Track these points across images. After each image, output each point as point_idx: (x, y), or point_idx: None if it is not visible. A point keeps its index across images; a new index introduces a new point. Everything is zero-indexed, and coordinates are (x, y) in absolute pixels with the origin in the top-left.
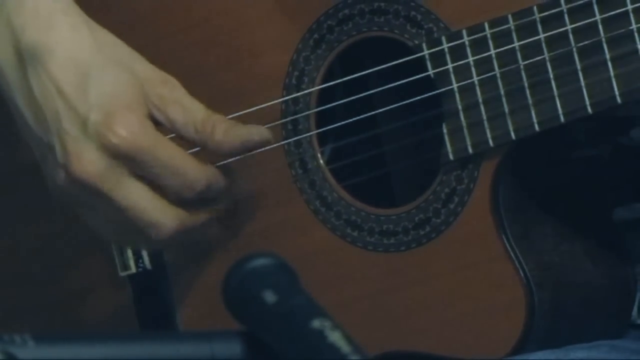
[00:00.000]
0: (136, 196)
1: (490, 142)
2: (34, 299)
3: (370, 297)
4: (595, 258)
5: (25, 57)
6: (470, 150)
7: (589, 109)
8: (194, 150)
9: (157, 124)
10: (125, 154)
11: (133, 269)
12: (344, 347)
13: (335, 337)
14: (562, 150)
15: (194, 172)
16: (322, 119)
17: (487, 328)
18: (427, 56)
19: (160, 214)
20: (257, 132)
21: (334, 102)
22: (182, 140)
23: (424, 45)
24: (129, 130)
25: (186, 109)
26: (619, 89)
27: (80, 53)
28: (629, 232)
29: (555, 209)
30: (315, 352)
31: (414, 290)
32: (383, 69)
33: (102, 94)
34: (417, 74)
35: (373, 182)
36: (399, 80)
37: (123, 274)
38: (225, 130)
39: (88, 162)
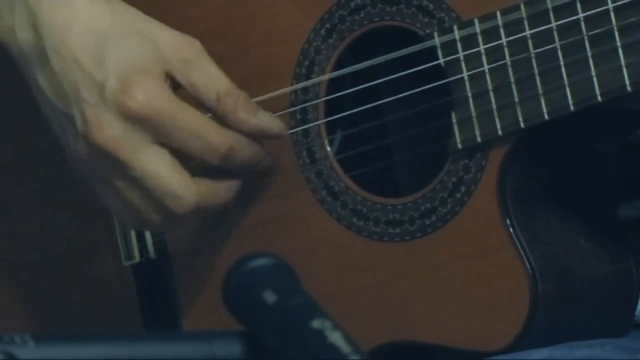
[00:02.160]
0: (157, 163)
1: (500, 131)
2: (37, 290)
3: (375, 286)
4: (599, 254)
5: (44, 34)
6: (479, 139)
7: (599, 98)
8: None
9: (178, 87)
10: (143, 118)
11: (137, 258)
12: (344, 347)
13: (335, 337)
14: (570, 143)
15: (216, 134)
16: (332, 109)
17: (490, 317)
18: (438, 45)
19: (181, 185)
20: (278, 125)
21: (343, 92)
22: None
23: (435, 35)
24: (146, 94)
25: (211, 75)
26: (629, 78)
27: (97, 24)
28: (633, 230)
29: (562, 202)
30: (315, 352)
31: (418, 279)
32: (394, 59)
33: (119, 61)
34: (428, 64)
35: (379, 172)
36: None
37: (127, 263)
38: (250, 109)
39: (107, 128)
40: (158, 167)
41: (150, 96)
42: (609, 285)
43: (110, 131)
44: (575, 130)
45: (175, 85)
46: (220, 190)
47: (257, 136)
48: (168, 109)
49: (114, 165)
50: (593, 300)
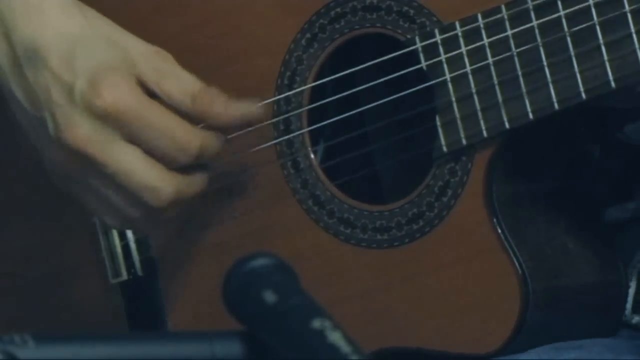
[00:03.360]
0: (129, 159)
1: (485, 133)
2: (25, 308)
3: (365, 294)
4: (587, 254)
5: (15, 43)
6: (464, 141)
7: (583, 95)
8: None
9: (153, 96)
10: (112, 116)
11: (125, 276)
12: (344, 347)
13: (335, 337)
14: (555, 143)
15: (186, 133)
16: (315, 119)
17: (482, 320)
18: (420, 49)
19: (156, 177)
20: (254, 108)
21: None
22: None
23: (416, 39)
24: (115, 92)
25: (181, 79)
26: (613, 74)
27: (68, 28)
28: (621, 231)
29: (548, 204)
30: (315, 352)
31: (408, 285)
32: (377, 66)
33: (88, 63)
34: (410, 68)
35: (365, 180)
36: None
37: (114, 281)
38: (224, 102)
39: (76, 127)
40: (131, 162)
41: (119, 94)
42: (598, 286)
43: (79, 130)
44: (559, 131)
45: (150, 94)
46: (196, 179)
47: (240, 126)
48: (137, 107)
49: (87, 165)
50: (582, 300)
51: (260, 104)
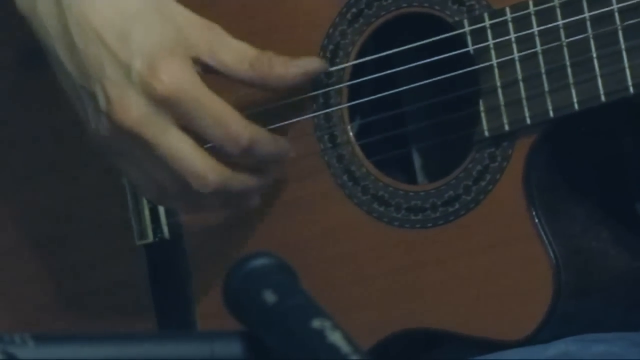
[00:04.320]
0: (180, 144)
1: (528, 120)
2: (45, 266)
3: (394, 273)
4: (620, 248)
5: (65, 7)
6: (506, 127)
7: (631, 90)
8: None
9: (209, 71)
10: (168, 100)
11: (151, 238)
12: (344, 347)
13: (335, 337)
14: (594, 135)
15: (238, 124)
16: (355, 94)
17: (512, 307)
18: (468, 32)
19: (204, 165)
20: (313, 61)
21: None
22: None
23: (465, 22)
24: (173, 76)
25: (237, 49)
26: None
27: (122, 3)
28: None
29: (586, 195)
30: (315, 352)
31: (438, 267)
32: (421, 47)
33: (145, 42)
34: (456, 52)
35: (399, 160)
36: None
37: (140, 242)
38: (284, 62)
39: (131, 108)
40: (182, 147)
41: (177, 79)
42: (628, 280)
43: (134, 111)
44: (599, 123)
45: (206, 70)
46: (244, 176)
47: (304, 81)
48: (194, 93)
49: (138, 145)
50: (611, 292)
51: (316, 57)
